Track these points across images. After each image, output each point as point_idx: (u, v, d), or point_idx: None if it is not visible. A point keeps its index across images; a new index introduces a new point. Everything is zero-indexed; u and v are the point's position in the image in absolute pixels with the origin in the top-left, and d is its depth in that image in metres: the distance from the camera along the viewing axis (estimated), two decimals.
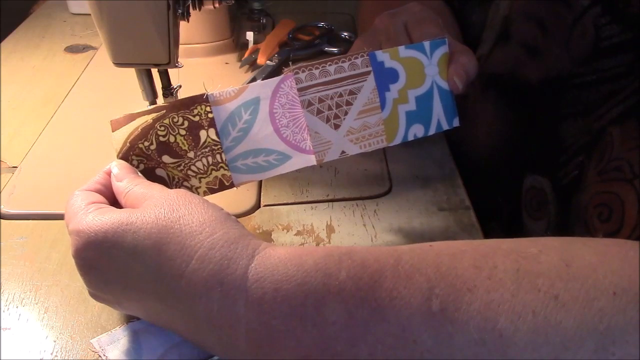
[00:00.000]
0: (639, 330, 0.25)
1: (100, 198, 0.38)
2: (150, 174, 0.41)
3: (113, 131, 0.41)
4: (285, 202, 0.52)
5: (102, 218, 0.35)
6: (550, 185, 0.50)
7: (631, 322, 0.25)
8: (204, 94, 0.41)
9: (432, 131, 0.45)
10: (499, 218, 0.58)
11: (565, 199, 0.47)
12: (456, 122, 0.46)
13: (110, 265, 0.34)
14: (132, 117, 0.41)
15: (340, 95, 0.42)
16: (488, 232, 0.50)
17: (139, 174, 0.40)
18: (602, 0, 0.45)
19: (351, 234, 0.48)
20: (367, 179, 0.54)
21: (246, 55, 0.75)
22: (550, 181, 0.50)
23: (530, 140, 0.54)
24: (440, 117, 0.45)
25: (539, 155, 0.53)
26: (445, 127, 0.46)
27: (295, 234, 0.48)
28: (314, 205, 0.51)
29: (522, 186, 0.54)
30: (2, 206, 0.50)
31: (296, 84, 0.42)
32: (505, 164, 0.58)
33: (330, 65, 0.42)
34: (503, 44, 0.47)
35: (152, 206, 0.35)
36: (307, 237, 0.48)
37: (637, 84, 0.43)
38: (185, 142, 0.42)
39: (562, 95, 0.49)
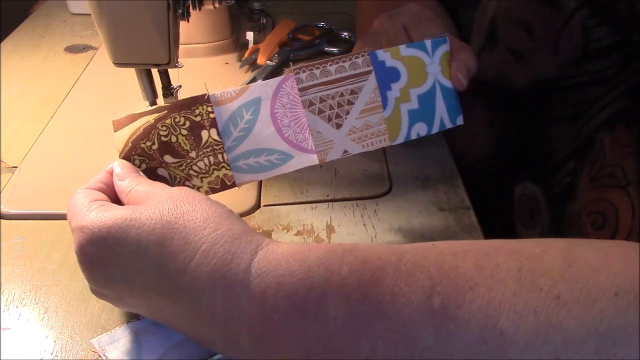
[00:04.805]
0: None
1: (103, 196, 0.38)
2: (152, 174, 0.41)
3: (115, 131, 0.42)
4: (285, 202, 0.52)
5: (105, 214, 0.35)
6: (542, 193, 0.49)
7: (632, 324, 0.25)
8: (206, 94, 0.42)
9: (435, 130, 0.45)
10: (491, 227, 0.58)
11: (558, 207, 0.47)
12: (460, 121, 0.46)
13: (113, 261, 0.34)
14: (134, 117, 0.41)
15: (342, 95, 0.42)
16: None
17: (141, 173, 0.40)
18: (590, 2, 0.45)
19: (351, 234, 0.48)
20: (367, 179, 0.54)
21: (246, 55, 0.75)
22: (543, 189, 0.49)
23: (520, 146, 0.54)
24: (443, 116, 0.45)
25: (528, 161, 0.52)
26: (449, 125, 0.46)
27: (295, 234, 0.48)
28: (314, 205, 0.51)
29: (513, 194, 0.53)
30: (2, 206, 0.50)
31: (297, 84, 0.42)
32: (495, 171, 0.58)
33: (331, 65, 0.42)
34: (490, 49, 0.47)
35: (156, 203, 0.35)
36: (307, 237, 0.48)
37: (624, 87, 0.42)
38: (187, 142, 0.42)
39: (550, 98, 0.49)
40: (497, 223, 0.56)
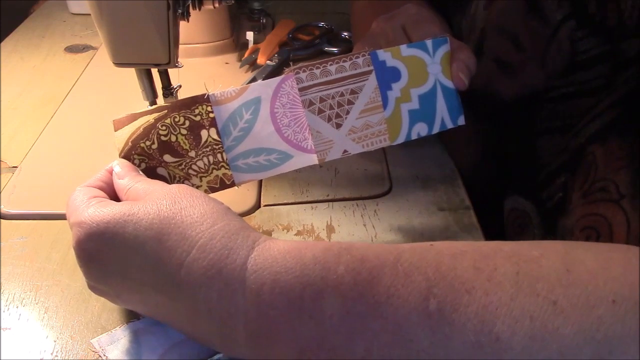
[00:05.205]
0: (638, 340, 0.25)
1: (102, 194, 0.39)
2: (151, 173, 0.42)
3: (115, 130, 0.42)
4: (285, 202, 0.52)
5: (104, 210, 0.35)
6: (534, 208, 0.49)
7: (630, 332, 0.25)
8: (205, 94, 0.42)
9: (436, 130, 0.45)
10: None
11: (551, 222, 0.47)
12: (461, 121, 0.46)
13: (111, 256, 0.35)
14: (134, 117, 0.41)
15: (342, 95, 0.42)
16: None
17: (140, 172, 0.41)
18: (577, 14, 0.45)
19: (351, 234, 0.48)
20: (367, 179, 0.54)
21: (246, 55, 0.75)
22: (534, 204, 0.49)
23: (507, 158, 0.53)
24: (444, 116, 0.45)
25: (517, 174, 0.52)
26: (450, 125, 0.45)
27: (295, 234, 0.48)
28: (314, 205, 0.51)
29: (502, 207, 0.53)
30: (2, 206, 0.50)
31: (297, 83, 0.42)
32: (483, 184, 0.57)
33: (331, 64, 0.42)
34: (478, 59, 0.46)
35: (155, 198, 0.35)
36: (307, 237, 0.48)
37: (614, 98, 0.42)
38: (186, 141, 0.42)
39: (538, 110, 0.49)
40: (486, 237, 0.56)
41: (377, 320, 0.29)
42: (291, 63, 0.43)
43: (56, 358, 0.37)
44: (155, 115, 0.41)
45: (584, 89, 0.45)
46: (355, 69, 0.42)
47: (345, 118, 0.43)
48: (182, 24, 0.47)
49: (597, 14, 0.43)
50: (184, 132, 0.42)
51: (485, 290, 0.28)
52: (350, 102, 0.42)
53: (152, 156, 0.41)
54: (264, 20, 0.83)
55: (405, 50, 0.44)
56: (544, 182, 0.47)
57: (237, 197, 0.50)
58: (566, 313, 0.26)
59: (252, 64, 0.74)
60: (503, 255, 0.29)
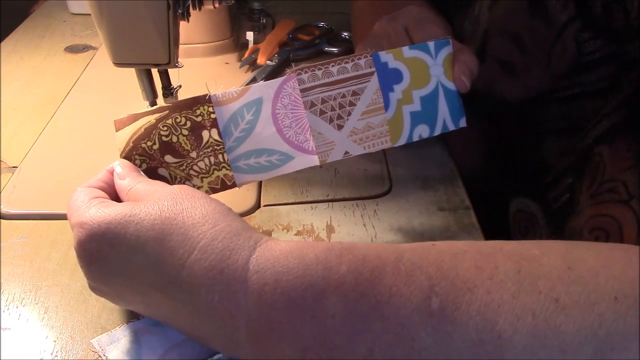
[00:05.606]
0: (639, 337, 0.25)
1: (103, 194, 0.39)
2: (152, 174, 0.42)
3: (117, 131, 0.42)
4: (285, 202, 0.52)
5: (105, 210, 0.35)
6: (540, 209, 0.49)
7: (631, 329, 0.25)
8: (207, 95, 0.42)
9: (437, 132, 0.45)
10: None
11: (557, 223, 0.47)
12: (463, 123, 0.46)
13: (113, 257, 0.35)
14: (135, 117, 0.41)
15: (344, 96, 0.42)
16: None
17: (141, 172, 0.41)
18: (582, 15, 0.45)
19: (351, 234, 0.48)
20: (367, 179, 0.54)
21: (246, 55, 0.75)
22: (540, 205, 0.49)
23: (512, 160, 0.53)
24: (446, 118, 0.45)
25: (522, 176, 0.52)
26: (452, 127, 0.46)
27: (295, 234, 0.48)
28: (314, 205, 0.51)
29: (508, 209, 0.53)
30: (2, 206, 0.50)
31: (299, 84, 0.42)
32: (488, 185, 0.57)
33: (333, 66, 0.42)
34: (481, 60, 0.47)
35: (156, 199, 0.35)
36: (307, 237, 0.48)
37: (620, 99, 0.42)
38: (187, 142, 0.42)
39: (543, 111, 0.49)
40: (486, 237, 0.56)
41: (379, 320, 0.29)
42: (293, 64, 0.43)
43: (56, 358, 0.37)
44: (157, 115, 0.41)
45: (589, 90, 0.45)
46: (357, 71, 0.42)
47: (347, 119, 0.43)
48: (182, 24, 0.47)
49: (603, 16, 0.43)
50: (185, 132, 0.42)
51: (487, 288, 0.28)
52: (351, 104, 0.42)
53: (153, 157, 0.41)
54: (264, 20, 0.83)
55: (407, 51, 0.44)
56: (551, 184, 0.47)
57: (237, 197, 0.50)
58: (568, 310, 0.26)
59: (252, 64, 0.74)
60: (504, 254, 0.30)
